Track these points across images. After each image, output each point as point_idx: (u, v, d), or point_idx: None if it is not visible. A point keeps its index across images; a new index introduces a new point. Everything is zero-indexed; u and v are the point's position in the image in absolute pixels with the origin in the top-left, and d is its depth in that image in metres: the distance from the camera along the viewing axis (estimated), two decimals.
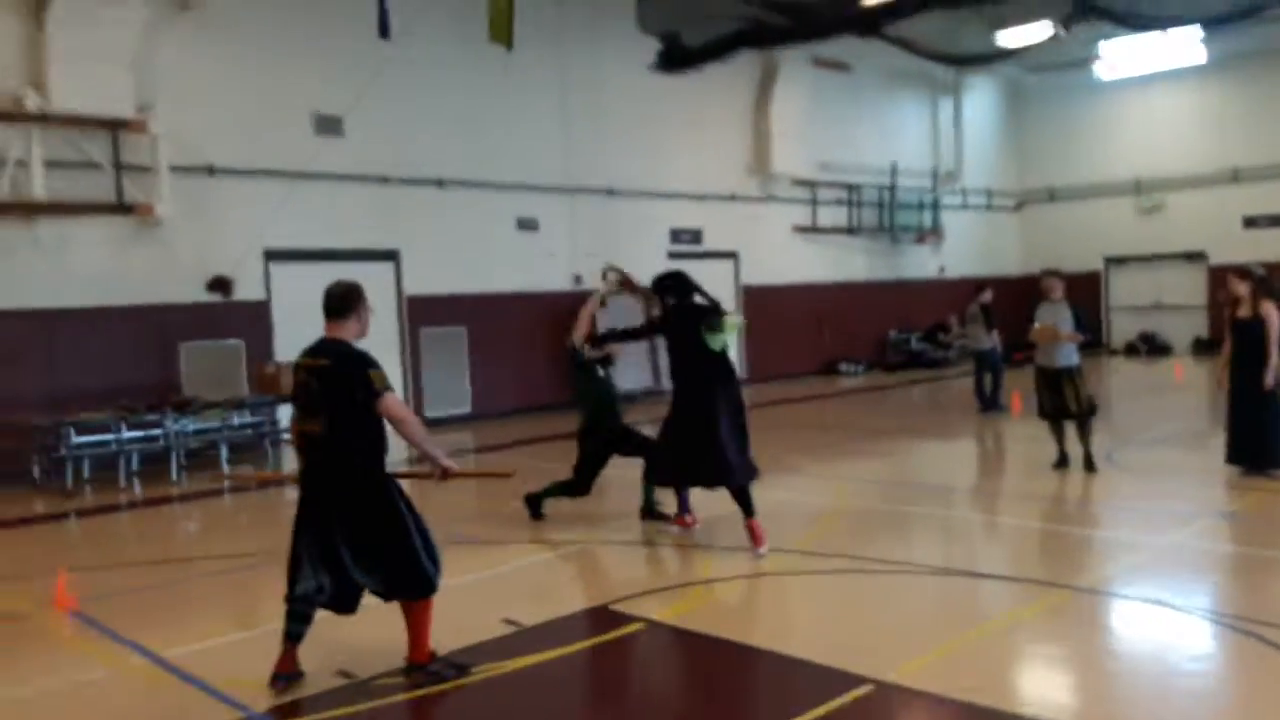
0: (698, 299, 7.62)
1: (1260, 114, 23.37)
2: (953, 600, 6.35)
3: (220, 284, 13.85)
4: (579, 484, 8.47)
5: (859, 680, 4.79)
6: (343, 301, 5.06)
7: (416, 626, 5.13)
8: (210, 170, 13.81)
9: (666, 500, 8.41)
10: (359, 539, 4.96)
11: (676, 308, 7.60)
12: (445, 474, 5.19)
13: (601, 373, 8.50)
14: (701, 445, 7.22)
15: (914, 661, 5.06)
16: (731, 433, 7.27)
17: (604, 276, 8.89)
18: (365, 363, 4.92)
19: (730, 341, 7.41)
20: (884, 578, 6.73)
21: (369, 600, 6.57)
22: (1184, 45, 22.67)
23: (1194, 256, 24.62)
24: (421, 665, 5.15)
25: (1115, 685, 4.89)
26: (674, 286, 7.65)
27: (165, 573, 7.74)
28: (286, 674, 5.09)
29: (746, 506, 7.31)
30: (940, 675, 4.90)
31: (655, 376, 18.62)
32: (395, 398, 4.99)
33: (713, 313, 7.40)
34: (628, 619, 5.95)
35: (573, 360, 8.45)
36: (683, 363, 7.53)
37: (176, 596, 7.13)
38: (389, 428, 5.01)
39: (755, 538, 7.25)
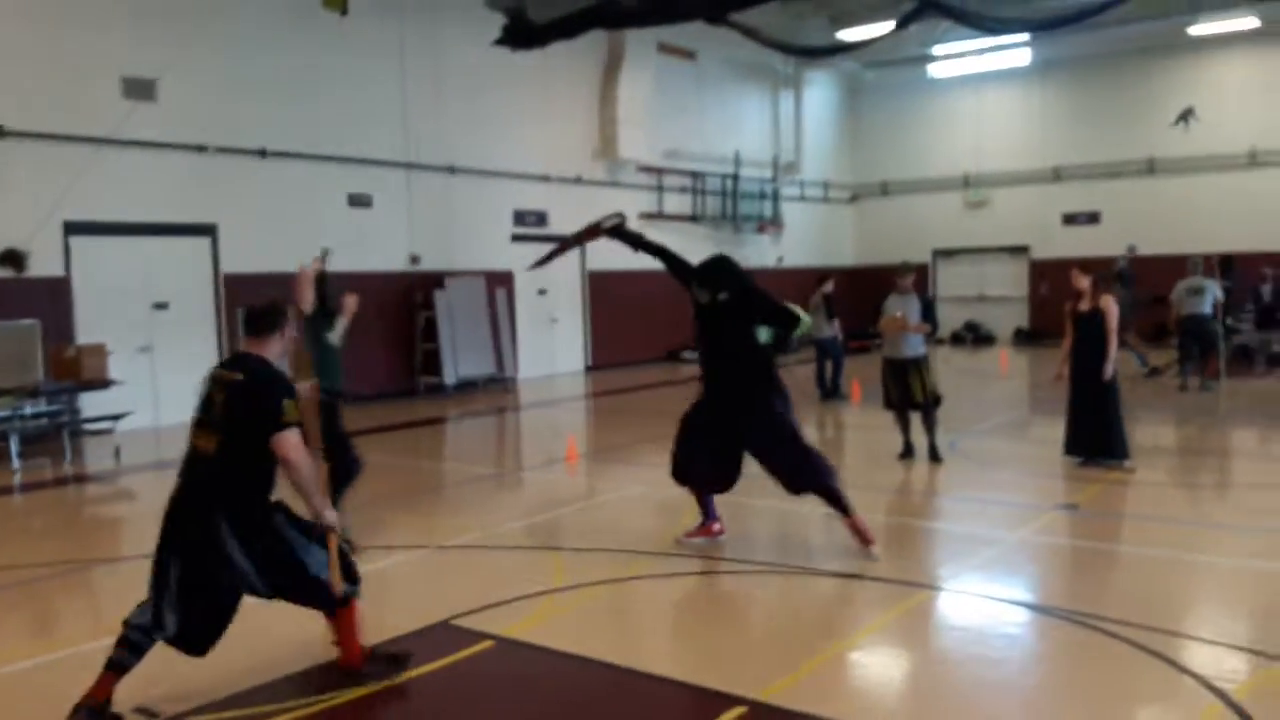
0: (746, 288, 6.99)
1: (1080, 116, 24.53)
2: (812, 604, 6.10)
3: (11, 258, 12.43)
4: (346, 466, 7.24)
5: (732, 701, 4.44)
6: (265, 318, 4.65)
7: (339, 635, 4.83)
8: None
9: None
10: (252, 563, 4.47)
11: (725, 297, 6.87)
12: (328, 531, 4.62)
13: (332, 336, 7.44)
14: (777, 448, 6.72)
15: (784, 679, 4.74)
16: (797, 433, 6.79)
17: (323, 257, 7.94)
18: (283, 389, 4.48)
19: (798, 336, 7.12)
20: (739, 579, 6.45)
21: None
22: (1011, 48, 23.62)
23: (1017, 250, 25.72)
24: (354, 670, 4.81)
25: (986, 694, 4.70)
26: (723, 276, 6.95)
27: None
28: (93, 706, 4.37)
29: (840, 505, 6.78)
30: (813, 693, 4.60)
31: (499, 364, 18.03)
32: (295, 438, 4.43)
33: (778, 311, 6.91)
34: (474, 636, 5.42)
35: (312, 324, 7.34)
36: (722, 357, 6.90)
37: None
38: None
39: (863, 527, 6.77)
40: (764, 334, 6.84)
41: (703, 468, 6.95)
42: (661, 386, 18.22)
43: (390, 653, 4.96)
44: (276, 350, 4.65)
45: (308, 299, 7.32)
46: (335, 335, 7.44)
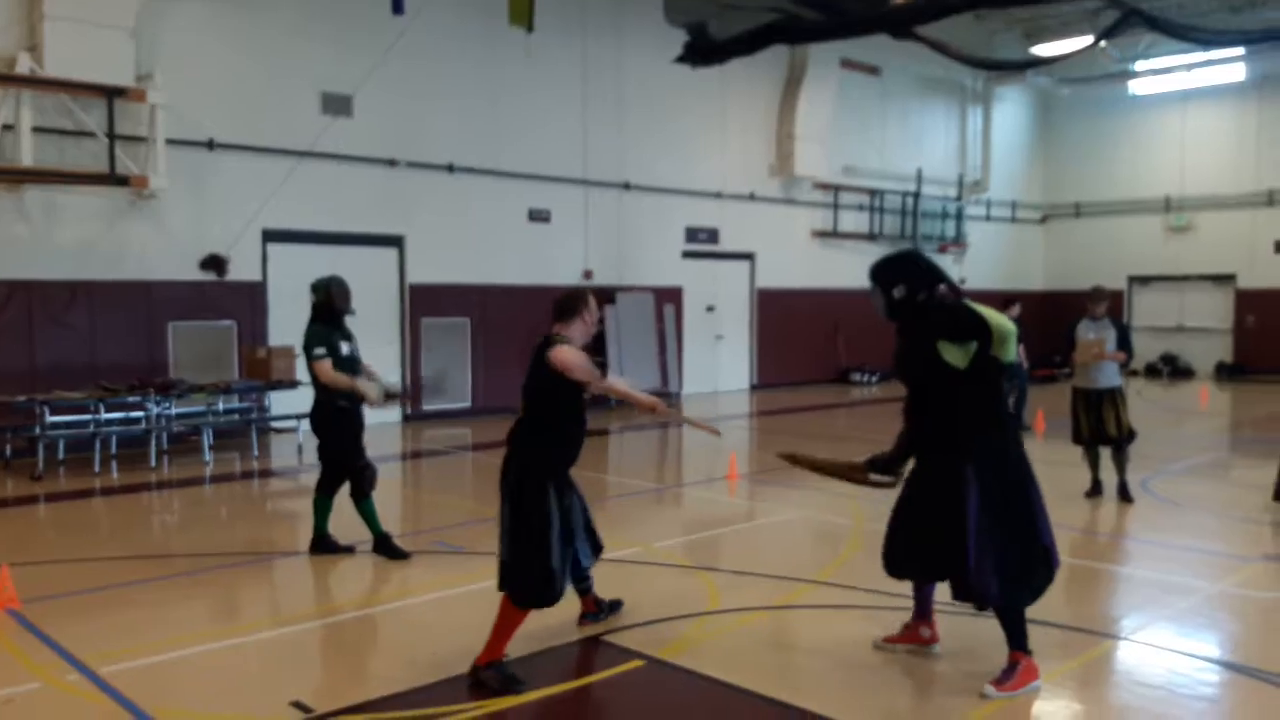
0: (943, 291, 5.09)
1: None
2: (982, 647, 5.67)
3: (214, 263, 13.28)
4: (359, 476, 7.36)
5: None
6: (566, 305, 5.17)
7: (494, 625, 4.97)
8: (210, 145, 13.24)
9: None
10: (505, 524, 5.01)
11: (908, 307, 5.05)
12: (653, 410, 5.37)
13: (346, 350, 7.29)
14: (943, 533, 4.85)
15: None
16: (998, 518, 4.81)
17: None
18: (551, 341, 5.02)
19: (1010, 351, 4.86)
20: (904, 616, 6.08)
21: (344, 629, 6.01)
22: (1223, 63, 22.12)
23: (1221, 279, 23.98)
24: (476, 665, 4.92)
25: None
26: (904, 274, 5.07)
27: (128, 570, 7.12)
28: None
29: (1011, 631, 4.93)
30: None
31: (664, 379, 18.04)
32: (562, 351, 4.92)
33: (959, 318, 4.84)
34: (624, 653, 5.32)
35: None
36: (910, 389, 5.14)
37: (134, 599, 6.50)
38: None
39: (1015, 675, 4.85)
40: (954, 354, 4.85)
41: (904, 546, 5.14)
42: (828, 409, 17.80)
43: (511, 673, 4.90)
44: (578, 331, 5.12)
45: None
46: (345, 347, 7.31)
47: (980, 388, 4.88)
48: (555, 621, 5.59)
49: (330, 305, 7.32)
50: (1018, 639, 4.90)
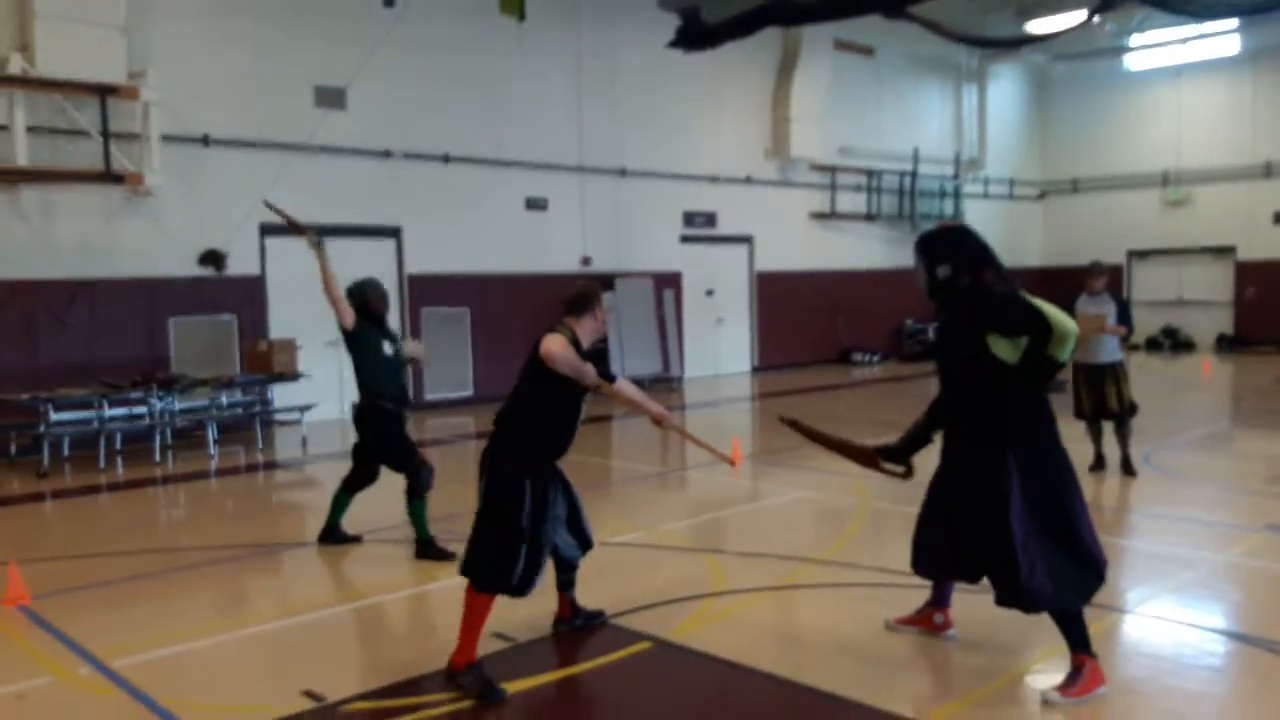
0: (990, 280, 4.62)
1: None
2: (989, 623, 5.69)
3: (213, 258, 13.28)
4: (416, 474, 7.15)
5: None
6: (578, 301, 5.10)
7: (461, 621, 4.78)
8: (205, 140, 13.22)
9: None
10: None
11: (951, 290, 4.66)
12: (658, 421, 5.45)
13: (390, 350, 7.18)
14: (985, 535, 4.54)
15: (954, 702, 4.47)
16: (1039, 523, 4.47)
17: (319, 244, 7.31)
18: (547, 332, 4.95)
19: (1067, 351, 4.45)
20: (910, 593, 6.10)
21: (354, 618, 6.03)
22: (1217, 36, 22.09)
23: (1221, 251, 23.98)
24: (453, 669, 4.74)
25: None
26: (952, 253, 4.68)
27: (136, 565, 7.15)
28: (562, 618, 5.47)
29: (1071, 635, 4.58)
30: None
31: (665, 364, 18.06)
32: (550, 340, 4.82)
33: (1011, 310, 4.45)
34: (632, 636, 5.35)
35: (360, 336, 7.10)
36: (955, 385, 4.76)
37: (143, 593, 6.54)
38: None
39: (1080, 679, 4.51)
40: (1005, 349, 4.45)
41: (933, 543, 4.92)
42: (830, 390, 17.82)
43: (490, 680, 4.67)
44: (588, 328, 5.07)
45: (348, 316, 7.06)
46: (388, 347, 7.21)
47: (1029, 385, 4.49)
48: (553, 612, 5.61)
49: (366, 308, 7.20)
50: (1079, 641, 4.56)
